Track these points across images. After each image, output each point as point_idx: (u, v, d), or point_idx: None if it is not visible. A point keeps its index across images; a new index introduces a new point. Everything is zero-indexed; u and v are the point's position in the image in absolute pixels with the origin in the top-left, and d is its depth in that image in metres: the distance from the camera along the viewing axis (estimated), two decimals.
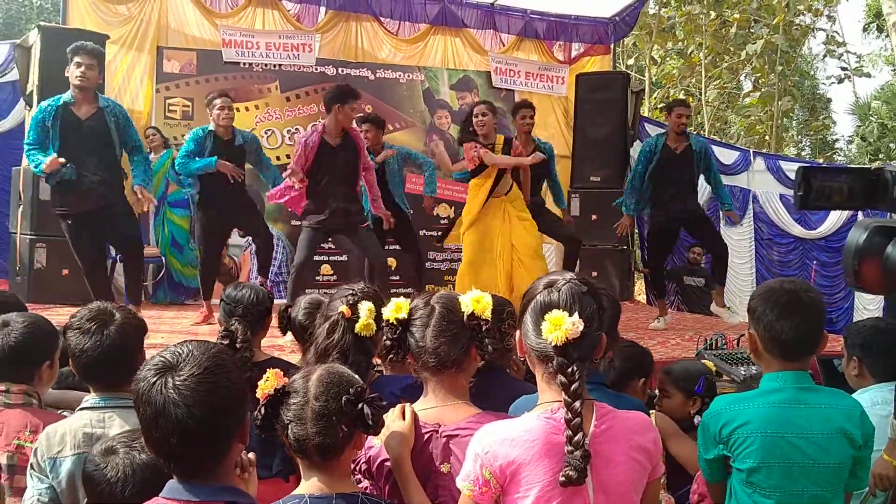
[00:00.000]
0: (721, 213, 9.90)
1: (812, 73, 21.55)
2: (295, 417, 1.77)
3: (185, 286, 8.23)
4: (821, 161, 17.02)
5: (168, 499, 1.58)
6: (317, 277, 8.67)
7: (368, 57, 9.59)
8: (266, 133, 8.87)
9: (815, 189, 1.72)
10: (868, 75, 17.34)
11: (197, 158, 6.07)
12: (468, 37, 10.11)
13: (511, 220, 6.06)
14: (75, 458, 2.14)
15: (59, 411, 2.68)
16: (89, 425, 2.20)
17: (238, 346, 2.81)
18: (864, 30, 20.89)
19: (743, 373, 4.06)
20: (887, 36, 18.76)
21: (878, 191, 1.77)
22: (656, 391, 3.48)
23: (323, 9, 9.42)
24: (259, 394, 1.79)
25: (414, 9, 9.67)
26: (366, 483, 2.02)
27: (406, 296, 2.21)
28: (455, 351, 2.00)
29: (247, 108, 8.82)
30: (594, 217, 9.26)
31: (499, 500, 1.74)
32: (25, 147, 5.43)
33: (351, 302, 2.44)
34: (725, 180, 10.47)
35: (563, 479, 1.63)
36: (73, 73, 5.26)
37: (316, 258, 7.69)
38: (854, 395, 2.60)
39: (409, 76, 9.66)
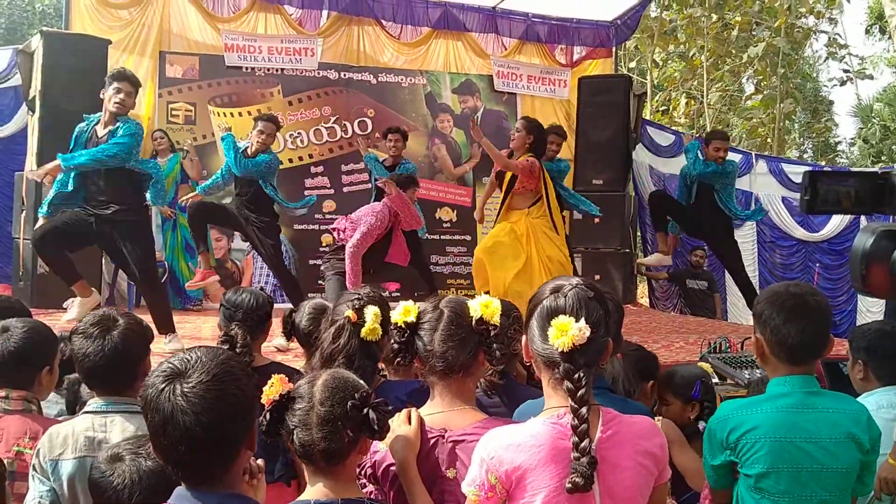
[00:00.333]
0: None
1: (814, 75, 21.53)
2: (300, 423, 1.77)
3: (194, 296, 8.19)
4: (823, 164, 16.99)
5: None
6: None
7: (370, 61, 9.60)
8: None
9: (821, 193, 1.72)
10: (870, 77, 17.33)
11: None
12: (470, 40, 10.12)
13: (537, 235, 6.04)
14: (76, 461, 2.15)
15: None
16: (91, 429, 2.20)
17: (238, 350, 2.81)
18: (867, 32, 20.88)
19: (747, 376, 4.06)
20: (889, 38, 18.77)
21: (885, 195, 1.77)
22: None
23: (325, 13, 9.43)
24: (264, 399, 1.78)
25: (416, 12, 9.68)
26: (371, 488, 2.01)
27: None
28: (463, 355, 2.00)
29: (249, 113, 8.82)
30: (596, 220, 9.24)
31: None
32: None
33: (357, 306, 2.43)
34: None
35: (570, 485, 1.63)
36: (112, 98, 5.13)
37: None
38: (859, 399, 2.59)
39: (411, 80, 9.67)
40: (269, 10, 9.14)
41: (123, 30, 8.45)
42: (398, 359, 2.08)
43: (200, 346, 1.64)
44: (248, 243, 8.04)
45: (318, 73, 9.17)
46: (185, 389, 1.52)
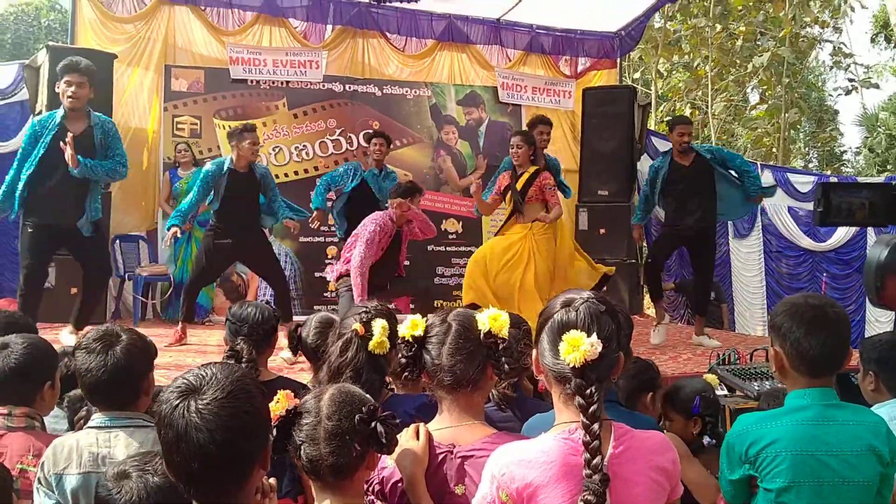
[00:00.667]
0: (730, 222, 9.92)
1: (819, 84, 21.54)
2: (307, 438, 1.76)
3: (202, 306, 8.17)
4: (829, 173, 16.95)
5: None
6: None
7: (375, 73, 9.63)
8: (274, 150, 8.89)
9: (834, 205, 1.70)
10: (876, 86, 17.30)
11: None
12: (474, 52, 10.14)
13: (537, 254, 6.11)
14: (81, 477, 2.15)
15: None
16: (95, 444, 2.20)
17: (243, 365, 2.79)
18: (872, 41, 20.89)
19: (756, 388, 4.02)
20: (895, 47, 18.77)
21: None
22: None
23: (330, 26, 9.46)
24: (271, 415, 1.76)
25: (420, 25, 9.71)
26: None
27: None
28: (471, 369, 1.97)
29: (254, 126, 8.83)
30: (602, 231, 9.24)
31: None
32: (17, 158, 5.39)
33: (365, 319, 2.42)
34: None
35: (582, 503, 1.60)
36: (65, 91, 5.28)
37: None
38: (871, 410, 2.57)
39: (416, 92, 9.68)
40: (273, 24, 9.18)
41: (128, 43, 8.49)
42: (406, 373, 2.06)
43: (215, 363, 1.62)
44: None
45: (323, 86, 9.18)
46: (200, 406, 1.50)
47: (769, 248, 10.82)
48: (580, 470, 1.63)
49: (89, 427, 2.26)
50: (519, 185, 6.25)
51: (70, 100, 5.26)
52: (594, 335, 1.66)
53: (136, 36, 8.55)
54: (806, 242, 10.79)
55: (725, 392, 4.13)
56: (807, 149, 22.24)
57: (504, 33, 10.17)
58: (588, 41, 10.43)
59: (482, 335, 1.99)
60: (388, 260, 6.18)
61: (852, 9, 16.69)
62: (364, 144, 8.75)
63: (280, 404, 1.79)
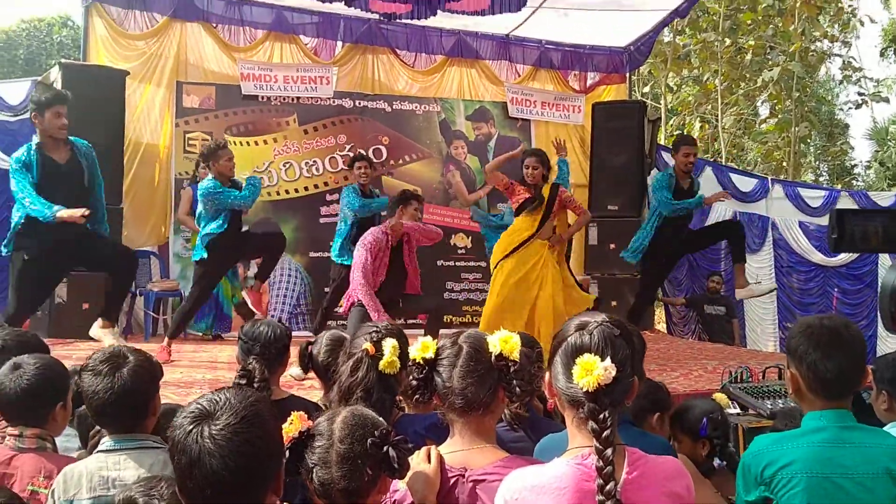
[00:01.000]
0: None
1: (829, 98, 21.50)
2: (320, 461, 1.75)
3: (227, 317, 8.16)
4: (839, 187, 16.89)
5: None
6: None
7: (385, 89, 9.66)
8: (284, 166, 8.91)
9: (849, 231, 1.69)
10: (886, 100, 17.24)
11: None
12: (484, 68, 10.16)
13: (548, 270, 6.03)
14: (91, 502, 2.14)
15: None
16: (105, 468, 2.20)
17: (255, 385, 2.78)
18: (881, 55, 20.86)
19: (769, 406, 3.98)
20: None
21: None
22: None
23: (340, 42, 9.51)
24: (284, 439, 1.76)
25: (430, 41, 9.75)
26: None
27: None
28: (483, 392, 1.96)
29: (265, 142, 8.88)
30: (612, 246, 9.22)
31: None
32: (25, 192, 5.13)
33: (375, 339, 2.41)
34: (744, 207, 10.50)
35: None
36: (54, 123, 5.19)
37: None
38: (884, 429, 2.54)
39: (425, 107, 9.70)
40: (284, 40, 9.22)
41: (140, 60, 8.53)
42: (417, 395, 2.05)
43: (229, 387, 1.62)
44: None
45: (334, 102, 9.21)
46: (213, 431, 1.49)
47: (780, 264, 10.77)
48: (594, 495, 1.61)
49: (98, 451, 2.26)
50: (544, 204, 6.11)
51: (62, 130, 5.27)
52: (608, 359, 1.64)
53: (148, 52, 8.60)
54: (817, 257, 10.75)
55: (738, 410, 4.10)
56: (817, 163, 22.18)
57: (513, 49, 10.19)
58: (597, 56, 10.44)
59: (493, 358, 1.97)
60: (395, 271, 6.13)
61: (861, 23, 16.66)
62: (374, 159, 8.75)
63: (293, 426, 1.79)
